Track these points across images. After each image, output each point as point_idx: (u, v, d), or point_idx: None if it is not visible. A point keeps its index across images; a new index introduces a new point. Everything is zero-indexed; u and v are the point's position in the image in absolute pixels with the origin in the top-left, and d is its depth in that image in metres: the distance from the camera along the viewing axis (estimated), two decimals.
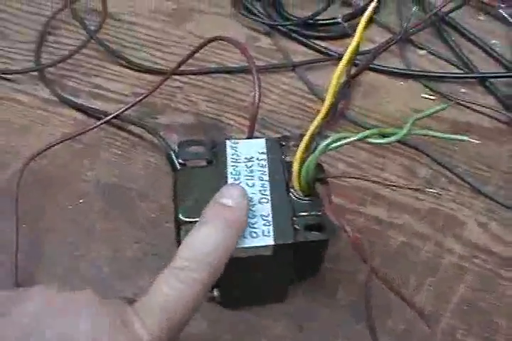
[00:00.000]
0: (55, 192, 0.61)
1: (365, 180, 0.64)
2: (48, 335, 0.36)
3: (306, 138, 0.45)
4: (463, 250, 0.60)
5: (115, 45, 0.74)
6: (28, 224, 0.58)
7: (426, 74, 0.74)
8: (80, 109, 0.68)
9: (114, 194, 0.61)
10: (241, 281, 0.50)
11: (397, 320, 0.55)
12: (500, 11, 0.80)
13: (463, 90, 0.73)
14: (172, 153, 0.54)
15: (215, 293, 0.53)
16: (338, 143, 0.44)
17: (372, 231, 0.60)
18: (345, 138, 0.44)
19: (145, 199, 0.61)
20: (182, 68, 0.68)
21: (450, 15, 0.77)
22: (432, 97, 0.71)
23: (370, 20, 0.78)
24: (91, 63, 0.73)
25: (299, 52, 0.76)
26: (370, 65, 0.73)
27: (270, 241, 0.46)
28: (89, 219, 0.59)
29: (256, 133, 0.54)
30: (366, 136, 0.44)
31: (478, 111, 0.71)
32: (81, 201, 0.60)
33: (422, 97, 0.71)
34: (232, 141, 0.52)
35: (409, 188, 0.63)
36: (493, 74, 0.73)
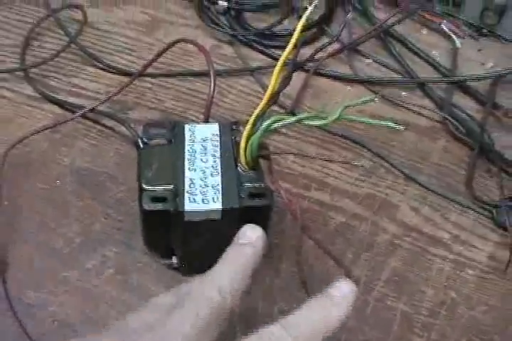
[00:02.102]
0: (34, 175, 0.67)
1: (295, 154, 0.73)
2: None
3: (251, 120, 0.52)
4: (396, 230, 0.67)
5: (93, 50, 0.81)
6: (9, 201, 0.65)
7: (370, 79, 0.82)
8: (59, 104, 0.75)
9: (86, 176, 0.68)
10: (196, 247, 0.57)
11: None
12: (442, 26, 0.88)
13: (404, 94, 0.81)
14: (139, 139, 0.60)
15: (174, 260, 0.60)
16: (278, 124, 0.51)
17: (315, 212, 0.67)
18: (284, 119, 0.52)
19: (114, 181, 0.68)
20: (152, 71, 0.76)
21: (395, 28, 0.85)
22: (376, 100, 0.78)
23: (322, 33, 0.86)
24: (71, 65, 0.79)
25: (257, 59, 0.84)
26: (321, 71, 0.81)
27: (219, 205, 0.53)
28: (64, 198, 0.66)
29: None
30: (302, 119, 0.51)
31: (416, 112, 0.78)
32: (57, 182, 0.67)
33: None
34: (191, 124, 0.59)
35: (337, 161, 0.71)
36: (430, 80, 0.82)
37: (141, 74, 0.71)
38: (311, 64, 0.79)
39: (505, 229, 0.68)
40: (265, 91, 0.71)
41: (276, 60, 0.80)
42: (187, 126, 0.59)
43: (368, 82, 0.81)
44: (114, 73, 0.80)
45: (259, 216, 0.56)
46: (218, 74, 0.79)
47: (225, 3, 0.85)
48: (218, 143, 0.58)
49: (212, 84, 0.61)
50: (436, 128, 0.78)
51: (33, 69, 0.78)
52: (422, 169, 0.73)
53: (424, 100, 0.81)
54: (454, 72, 0.83)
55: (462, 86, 0.82)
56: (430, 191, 0.71)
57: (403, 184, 0.71)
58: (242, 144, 0.54)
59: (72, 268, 0.61)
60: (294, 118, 0.51)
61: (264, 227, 0.59)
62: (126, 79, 0.78)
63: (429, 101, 0.81)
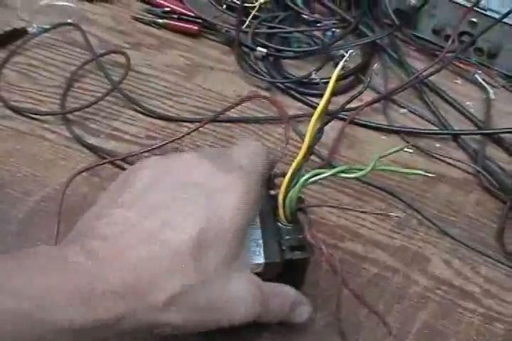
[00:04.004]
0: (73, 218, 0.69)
1: (332, 207, 0.73)
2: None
3: (288, 175, 0.53)
4: (427, 282, 0.68)
5: (133, 93, 0.82)
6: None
7: (405, 129, 0.83)
8: (92, 149, 0.76)
9: None
10: None
11: (367, 337, 0.63)
12: (476, 76, 0.89)
13: (438, 145, 0.82)
14: None
15: None
16: (315, 178, 0.53)
17: (349, 263, 0.68)
18: (320, 173, 0.53)
19: None
20: (190, 116, 0.78)
21: (430, 78, 0.86)
22: (410, 151, 0.79)
23: (358, 82, 0.88)
24: (111, 108, 0.81)
25: (294, 107, 0.85)
26: (357, 121, 0.82)
27: (261, 260, 0.54)
28: None
29: None
30: (339, 172, 0.52)
31: (449, 164, 0.79)
32: None
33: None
34: None
35: (373, 213, 0.72)
36: (464, 132, 0.83)
37: (209, 121, 0.72)
38: (346, 113, 0.80)
39: None
40: (300, 138, 0.74)
41: (313, 107, 0.82)
42: None
43: (402, 132, 0.82)
44: (152, 117, 0.81)
45: (298, 268, 0.58)
46: (255, 121, 0.80)
47: (264, 50, 0.86)
48: None
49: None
50: (469, 181, 0.78)
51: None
52: (454, 222, 0.74)
53: (458, 151, 0.82)
54: (487, 123, 0.84)
55: (495, 138, 0.82)
56: (462, 244, 0.71)
57: (435, 236, 0.72)
58: (281, 200, 0.55)
59: None
60: (330, 172, 0.53)
61: (302, 278, 0.61)
62: (164, 123, 0.80)
63: (462, 153, 0.81)
